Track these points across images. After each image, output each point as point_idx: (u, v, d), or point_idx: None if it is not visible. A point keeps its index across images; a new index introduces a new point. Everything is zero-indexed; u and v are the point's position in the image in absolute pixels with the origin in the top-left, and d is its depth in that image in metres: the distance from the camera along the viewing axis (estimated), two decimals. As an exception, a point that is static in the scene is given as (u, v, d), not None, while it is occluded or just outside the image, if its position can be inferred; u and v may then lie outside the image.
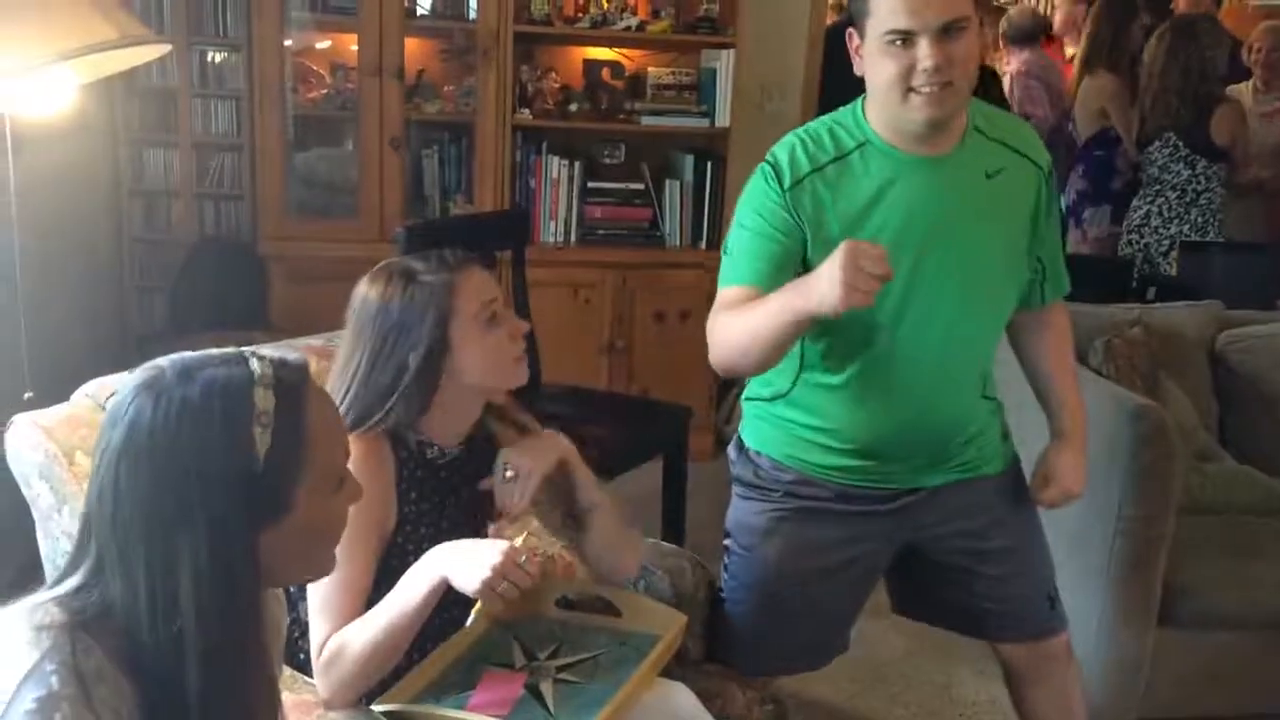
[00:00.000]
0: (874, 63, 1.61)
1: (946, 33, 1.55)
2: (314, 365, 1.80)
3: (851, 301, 1.41)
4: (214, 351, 1.04)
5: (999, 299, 1.77)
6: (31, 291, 2.30)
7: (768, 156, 1.71)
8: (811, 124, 1.74)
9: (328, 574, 1.13)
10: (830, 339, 1.72)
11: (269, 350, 1.06)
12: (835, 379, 1.74)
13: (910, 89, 1.58)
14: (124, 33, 1.65)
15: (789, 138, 1.72)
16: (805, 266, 1.66)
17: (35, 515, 1.60)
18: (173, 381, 1.00)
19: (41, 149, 2.58)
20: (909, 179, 1.66)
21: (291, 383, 1.03)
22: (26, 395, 2.02)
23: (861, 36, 1.62)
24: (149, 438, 0.98)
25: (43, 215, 2.61)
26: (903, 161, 1.66)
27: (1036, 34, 4.63)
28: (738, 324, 1.60)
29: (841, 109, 1.74)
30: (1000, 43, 4.76)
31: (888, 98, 1.62)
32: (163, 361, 1.02)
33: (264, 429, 0.99)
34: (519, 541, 1.52)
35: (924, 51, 1.55)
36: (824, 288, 1.43)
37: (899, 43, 1.57)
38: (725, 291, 1.67)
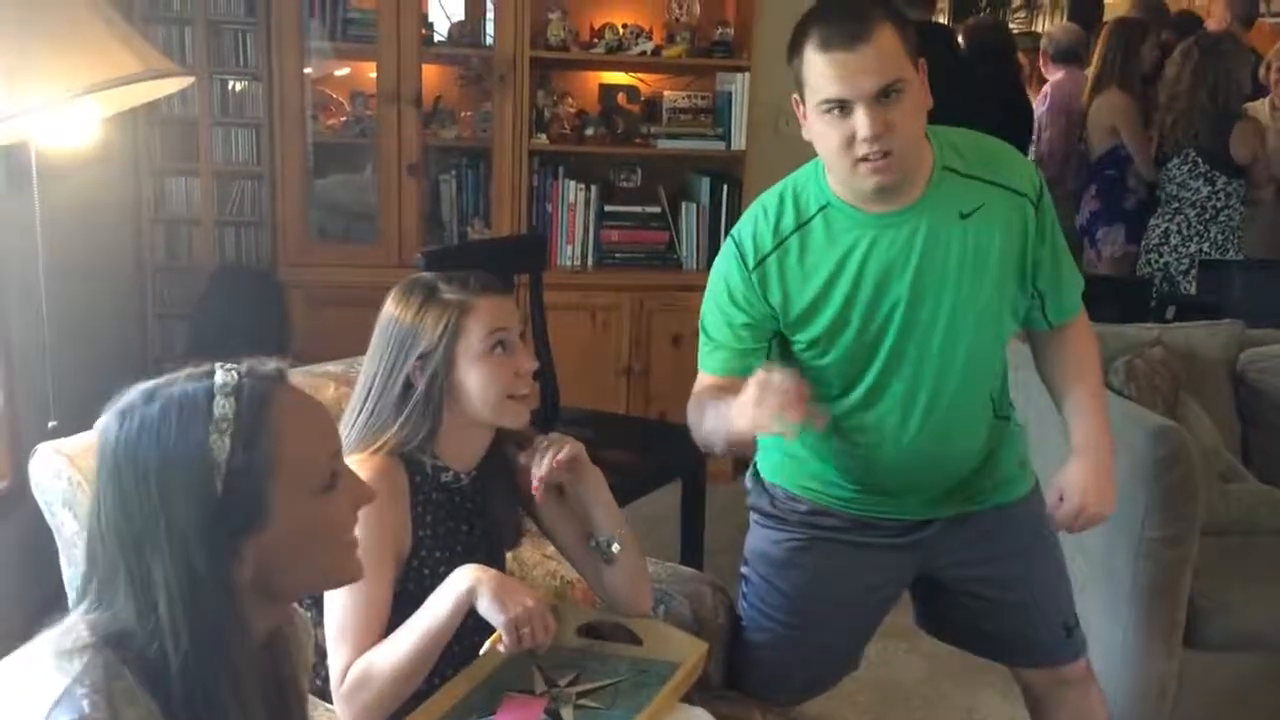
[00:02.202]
0: (816, 132, 1.59)
1: (884, 97, 1.52)
2: (333, 391, 1.82)
3: (757, 426, 1.46)
4: (188, 370, 1.04)
5: (994, 331, 1.73)
6: (56, 320, 2.32)
7: (733, 232, 1.71)
8: (773, 191, 1.72)
9: (351, 578, 1.12)
10: (825, 398, 1.72)
11: (247, 361, 1.06)
12: (838, 429, 1.75)
13: (856, 159, 1.56)
14: (148, 65, 1.68)
15: (753, 210, 1.71)
16: (783, 338, 1.69)
17: (59, 543, 1.61)
18: (138, 401, 1.01)
19: (65, 179, 2.61)
20: (876, 237, 1.64)
21: (257, 388, 1.01)
22: (51, 424, 2.04)
23: (803, 104, 1.60)
24: (114, 457, 0.99)
25: (67, 244, 2.64)
26: (867, 221, 1.64)
27: (1076, 53, 4.61)
28: (702, 428, 1.66)
29: (803, 168, 1.71)
30: (1042, 60, 4.76)
31: (836, 166, 1.60)
32: (139, 385, 1.03)
33: (222, 435, 0.98)
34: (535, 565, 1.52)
35: (861, 120, 1.52)
36: (738, 421, 1.49)
37: (836, 111, 1.54)
38: (701, 377, 1.71)
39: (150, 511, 0.97)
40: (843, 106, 1.54)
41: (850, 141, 1.55)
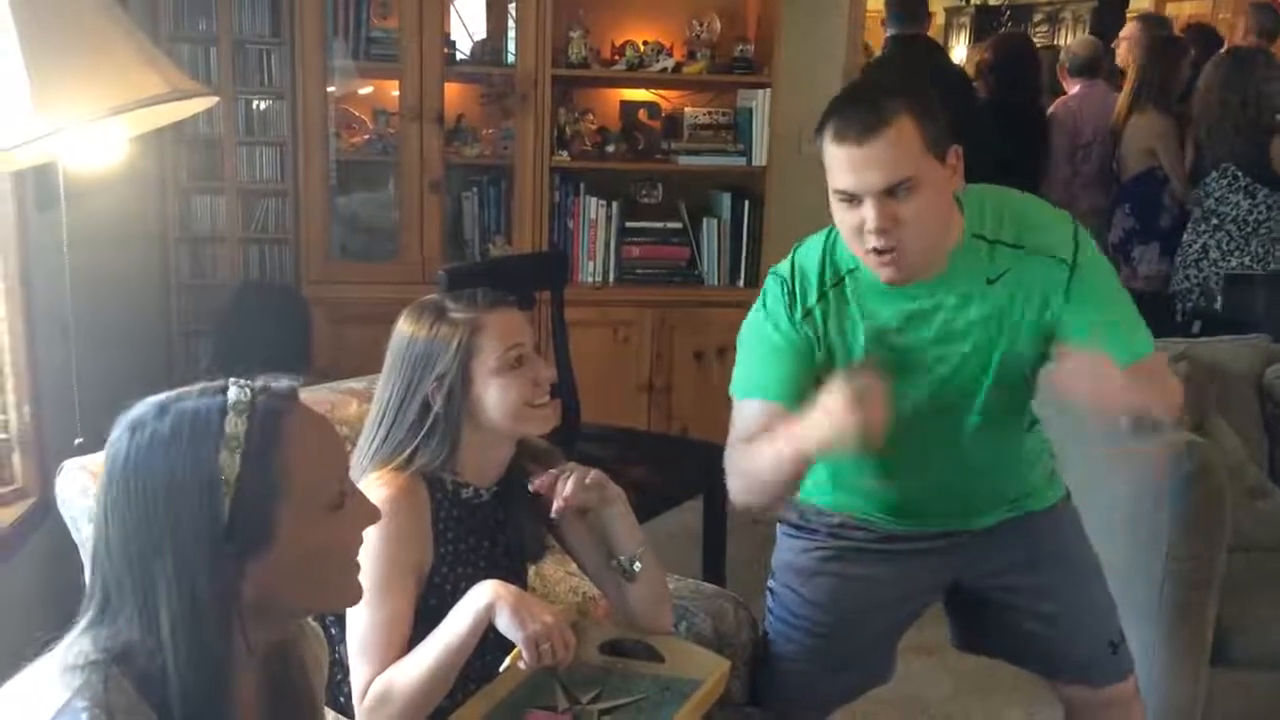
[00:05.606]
0: (834, 212, 1.60)
1: (892, 194, 1.52)
2: (355, 408, 1.83)
3: (848, 440, 1.41)
4: (199, 384, 1.03)
5: (1021, 383, 1.70)
6: (82, 337, 2.34)
7: (781, 270, 1.71)
8: (815, 240, 1.72)
9: (351, 600, 1.11)
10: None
11: (261, 378, 1.06)
12: (867, 473, 1.76)
13: (866, 249, 1.56)
14: (173, 86, 1.69)
15: (794, 257, 1.72)
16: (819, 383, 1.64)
17: (84, 559, 1.62)
18: (149, 415, 1.00)
19: (92, 198, 2.64)
20: (902, 305, 1.64)
21: (270, 407, 1.01)
22: (77, 440, 2.05)
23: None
24: (123, 471, 0.99)
25: (93, 262, 2.67)
26: (892, 292, 1.64)
27: (1093, 66, 4.58)
28: (748, 469, 1.61)
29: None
30: (1060, 73, 4.74)
31: (851, 248, 1.61)
32: (151, 398, 1.03)
33: (232, 453, 0.98)
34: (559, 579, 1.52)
35: (869, 212, 1.53)
36: (819, 430, 1.44)
37: (847, 201, 1.55)
38: (742, 406, 1.66)
39: (157, 528, 0.97)
40: (853, 197, 1.54)
41: (860, 230, 1.55)
